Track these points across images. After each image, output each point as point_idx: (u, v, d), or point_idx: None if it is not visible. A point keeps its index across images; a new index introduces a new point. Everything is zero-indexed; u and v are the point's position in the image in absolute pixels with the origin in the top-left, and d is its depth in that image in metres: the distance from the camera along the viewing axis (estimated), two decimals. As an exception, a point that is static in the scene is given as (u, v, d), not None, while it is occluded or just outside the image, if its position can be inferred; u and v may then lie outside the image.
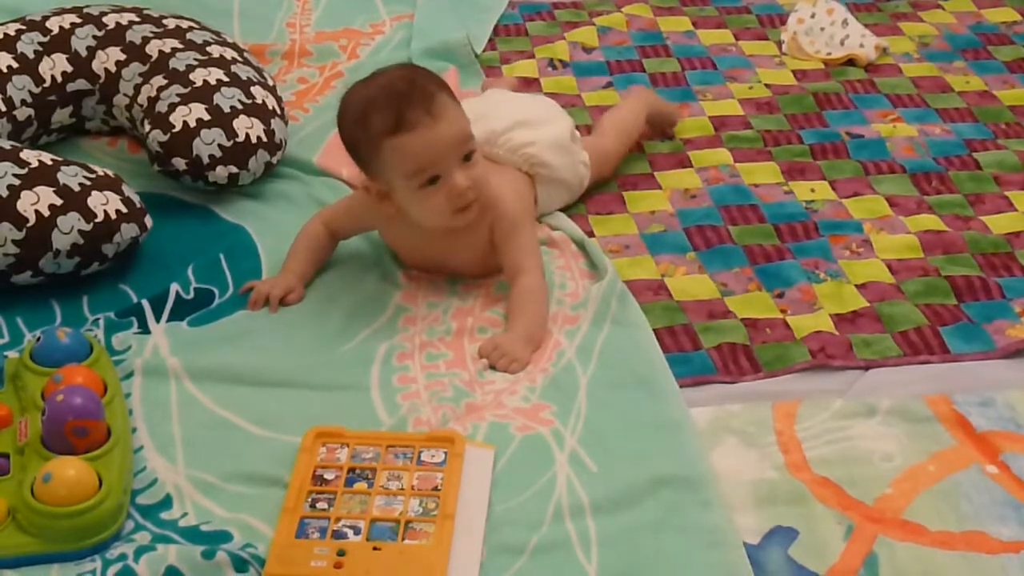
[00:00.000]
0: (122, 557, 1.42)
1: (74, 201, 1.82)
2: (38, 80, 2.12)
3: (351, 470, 1.53)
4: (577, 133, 2.06)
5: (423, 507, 1.49)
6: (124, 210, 1.86)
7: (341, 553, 1.42)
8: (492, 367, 1.73)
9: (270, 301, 1.83)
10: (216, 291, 1.87)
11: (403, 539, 1.44)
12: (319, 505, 1.48)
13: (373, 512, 1.48)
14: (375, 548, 1.43)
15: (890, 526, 1.50)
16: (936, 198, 2.12)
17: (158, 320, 1.81)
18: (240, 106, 2.05)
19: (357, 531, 1.45)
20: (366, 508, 1.48)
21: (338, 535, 1.44)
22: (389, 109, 1.72)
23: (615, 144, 2.15)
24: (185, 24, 2.23)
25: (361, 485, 1.51)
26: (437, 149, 1.73)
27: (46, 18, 2.20)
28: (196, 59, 2.12)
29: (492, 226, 1.83)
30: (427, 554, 1.43)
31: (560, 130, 2.01)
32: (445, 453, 1.55)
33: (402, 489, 1.51)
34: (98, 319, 1.80)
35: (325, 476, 1.52)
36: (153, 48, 2.15)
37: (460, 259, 1.87)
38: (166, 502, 1.52)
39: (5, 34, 2.15)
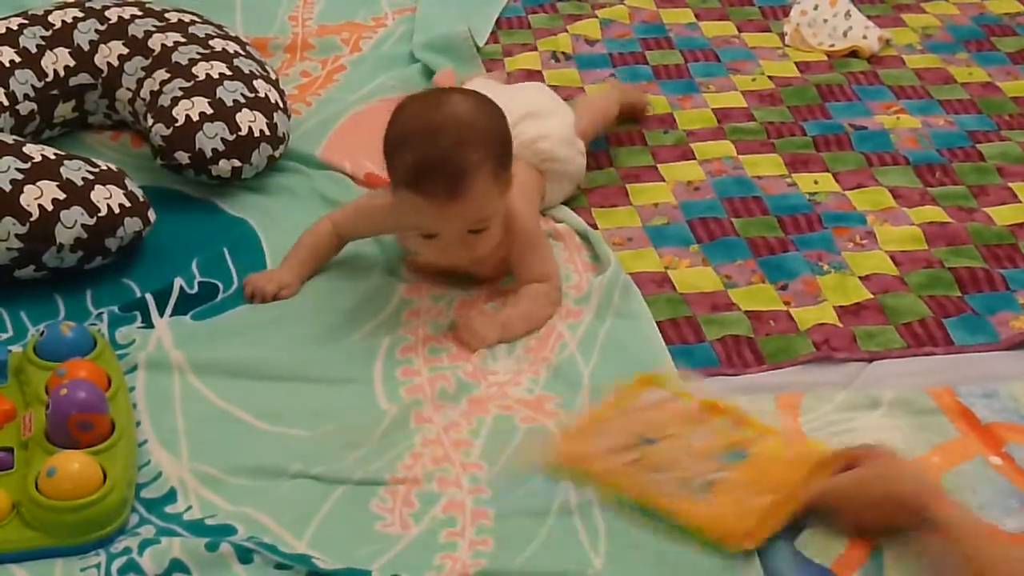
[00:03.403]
0: (127, 551, 1.43)
1: (77, 195, 1.82)
2: (40, 74, 2.12)
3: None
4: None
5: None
6: (127, 204, 1.86)
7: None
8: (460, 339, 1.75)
9: (257, 296, 1.83)
10: (220, 285, 1.87)
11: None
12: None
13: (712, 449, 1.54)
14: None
15: (894, 518, 1.50)
16: (939, 189, 2.12)
17: (162, 314, 1.81)
18: (243, 100, 2.05)
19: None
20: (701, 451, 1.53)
21: None
22: (416, 165, 1.66)
23: (588, 128, 2.12)
24: (187, 18, 2.23)
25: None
26: (441, 222, 1.70)
27: (48, 12, 2.20)
28: (199, 53, 2.12)
29: (509, 241, 1.80)
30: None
31: (566, 121, 2.01)
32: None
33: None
34: (102, 313, 1.80)
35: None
36: (155, 42, 2.15)
37: (479, 268, 1.84)
38: (170, 496, 1.52)
39: (7, 28, 2.15)
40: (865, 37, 2.52)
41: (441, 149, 1.66)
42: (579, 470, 1.53)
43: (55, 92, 2.13)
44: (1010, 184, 2.13)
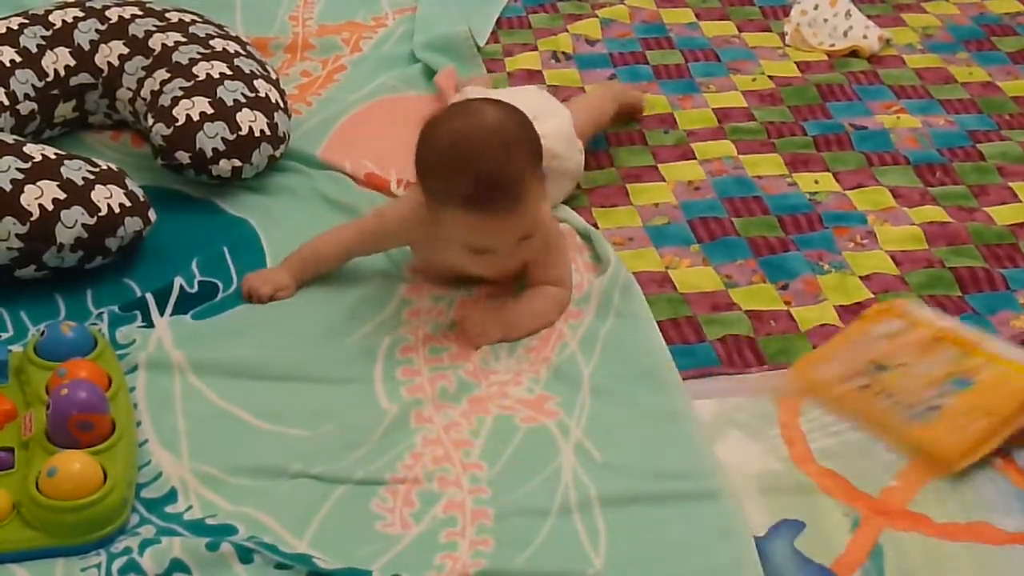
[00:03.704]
0: (127, 551, 1.43)
1: (78, 195, 1.82)
2: (41, 74, 2.12)
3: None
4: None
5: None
6: (128, 204, 1.86)
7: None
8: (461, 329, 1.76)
9: (253, 297, 1.83)
10: (220, 284, 1.87)
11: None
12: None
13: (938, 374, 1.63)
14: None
15: (896, 517, 1.50)
16: (940, 189, 2.12)
17: (162, 314, 1.81)
18: (243, 99, 2.05)
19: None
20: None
21: None
22: (475, 184, 1.63)
23: (585, 127, 2.10)
24: (188, 18, 2.23)
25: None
26: (499, 237, 1.70)
27: (48, 12, 2.20)
28: (199, 52, 2.12)
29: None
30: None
31: (564, 122, 2.01)
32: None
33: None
34: (102, 313, 1.80)
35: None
36: (156, 42, 2.15)
37: (497, 275, 1.83)
38: (171, 495, 1.52)
39: (8, 28, 2.15)
40: (865, 37, 2.52)
41: (495, 165, 1.64)
42: (815, 394, 1.65)
43: (55, 92, 2.13)
44: (1010, 184, 2.13)
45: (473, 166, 1.65)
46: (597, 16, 2.64)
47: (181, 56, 2.11)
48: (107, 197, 1.84)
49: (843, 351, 1.71)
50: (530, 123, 1.74)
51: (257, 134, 2.03)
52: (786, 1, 2.69)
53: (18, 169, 1.81)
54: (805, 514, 1.51)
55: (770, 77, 2.44)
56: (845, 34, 2.54)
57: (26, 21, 2.17)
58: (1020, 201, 2.09)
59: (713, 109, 2.34)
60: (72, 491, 1.43)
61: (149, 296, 1.84)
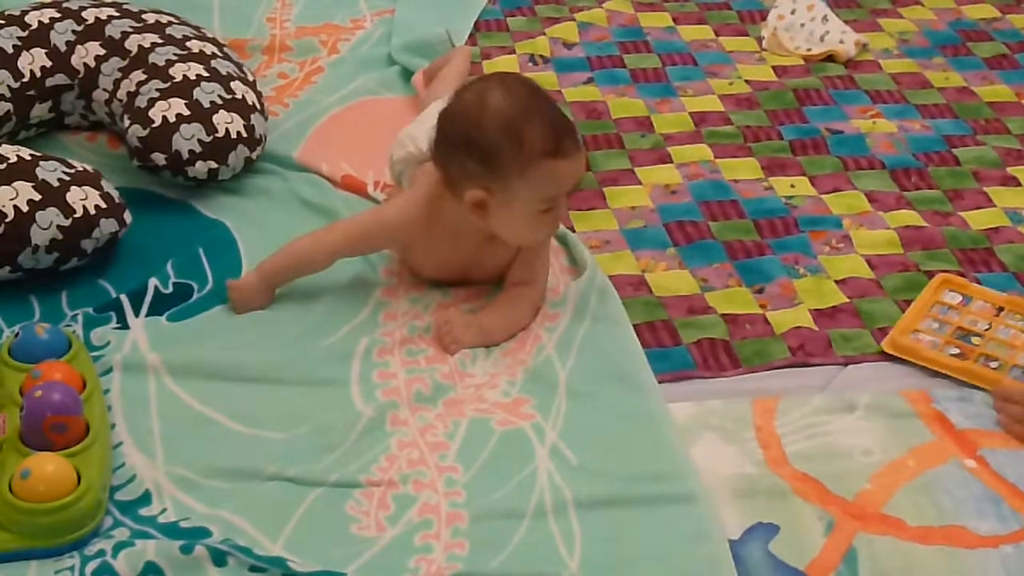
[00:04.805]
0: (100, 553, 1.42)
1: (53, 196, 1.82)
2: (17, 75, 2.11)
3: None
4: None
5: None
6: (103, 205, 1.86)
7: None
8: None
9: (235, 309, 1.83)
10: (195, 286, 1.87)
11: None
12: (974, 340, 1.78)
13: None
14: None
15: (870, 521, 1.51)
16: (915, 194, 2.13)
17: (137, 315, 1.80)
18: (220, 101, 2.04)
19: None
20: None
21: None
22: (550, 131, 1.69)
23: None
24: (165, 19, 2.22)
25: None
26: (573, 181, 1.74)
27: (25, 12, 2.19)
28: (176, 54, 2.11)
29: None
30: None
31: None
32: None
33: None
34: (77, 315, 1.80)
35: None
36: (132, 43, 2.14)
37: (485, 271, 1.84)
38: (145, 498, 1.52)
39: (-17, 29, 2.15)
40: (842, 42, 2.53)
41: (552, 112, 1.72)
42: (911, 357, 1.76)
43: (31, 93, 2.13)
44: (985, 188, 2.14)
45: (536, 119, 1.69)
46: (575, 19, 2.65)
47: (158, 57, 2.11)
48: (82, 199, 1.84)
49: (925, 322, 1.81)
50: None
51: (234, 136, 2.03)
52: (763, 6, 2.70)
53: (-7, 170, 1.81)
54: (779, 517, 1.51)
55: (747, 81, 2.45)
56: (822, 39, 2.55)
57: (2, 21, 2.16)
58: (995, 206, 2.10)
59: (690, 113, 2.34)
60: (45, 493, 1.42)
61: (124, 297, 1.83)
